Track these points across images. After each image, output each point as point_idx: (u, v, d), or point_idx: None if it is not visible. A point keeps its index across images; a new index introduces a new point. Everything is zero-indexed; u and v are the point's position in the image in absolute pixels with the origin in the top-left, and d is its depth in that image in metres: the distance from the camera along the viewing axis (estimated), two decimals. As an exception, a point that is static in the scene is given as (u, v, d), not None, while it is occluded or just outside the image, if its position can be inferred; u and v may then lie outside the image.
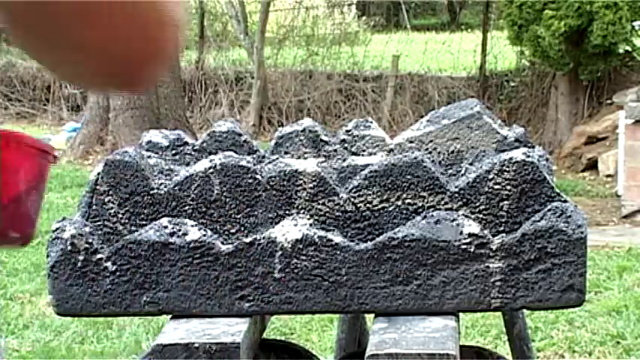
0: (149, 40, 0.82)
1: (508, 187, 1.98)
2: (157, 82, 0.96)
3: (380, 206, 2.00)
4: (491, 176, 1.98)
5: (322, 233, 1.96)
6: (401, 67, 11.75)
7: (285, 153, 2.30)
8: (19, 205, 0.90)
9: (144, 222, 2.03)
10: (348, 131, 2.36)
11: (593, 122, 9.37)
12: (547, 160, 2.17)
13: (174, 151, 2.34)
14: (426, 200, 1.99)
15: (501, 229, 1.98)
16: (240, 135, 2.35)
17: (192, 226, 1.99)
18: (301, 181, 2.01)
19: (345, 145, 2.34)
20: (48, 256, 2.02)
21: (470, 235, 1.93)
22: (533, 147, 2.22)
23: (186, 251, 1.98)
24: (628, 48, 9.73)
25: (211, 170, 2.02)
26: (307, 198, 2.00)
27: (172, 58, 0.89)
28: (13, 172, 0.88)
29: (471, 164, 2.21)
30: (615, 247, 6.16)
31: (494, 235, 1.95)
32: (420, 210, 1.99)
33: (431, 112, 2.40)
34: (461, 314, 2.02)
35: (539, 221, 1.94)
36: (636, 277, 5.34)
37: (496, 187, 1.98)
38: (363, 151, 2.33)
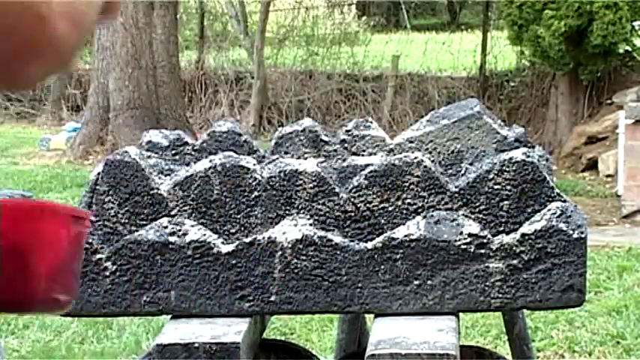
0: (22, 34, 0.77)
1: (508, 187, 1.98)
2: (44, 80, 0.90)
3: (380, 206, 2.00)
4: (491, 176, 1.98)
5: (322, 233, 1.96)
6: (401, 67, 11.75)
7: (285, 153, 2.30)
8: (62, 272, 0.92)
9: (144, 222, 2.03)
10: (348, 131, 2.36)
11: (593, 122, 9.37)
12: (547, 160, 2.17)
13: (174, 151, 2.34)
14: (426, 200, 1.99)
15: (501, 229, 1.98)
16: (240, 135, 2.35)
17: (192, 226, 1.99)
18: (301, 181, 2.00)
19: (345, 145, 2.34)
20: (48, 256, 2.01)
21: (470, 235, 1.93)
22: (533, 147, 2.22)
23: (186, 251, 1.97)
24: (628, 48, 9.73)
25: (211, 170, 2.02)
26: (307, 198, 2.00)
27: (62, 55, 0.83)
28: (51, 242, 0.89)
29: (471, 164, 2.21)
30: (615, 247, 6.16)
31: (494, 235, 1.95)
32: (420, 210, 1.99)
33: (431, 112, 2.40)
34: (461, 314, 2.02)
35: (539, 221, 1.94)
36: (636, 277, 5.34)
37: (496, 187, 1.98)
38: (363, 151, 2.33)
